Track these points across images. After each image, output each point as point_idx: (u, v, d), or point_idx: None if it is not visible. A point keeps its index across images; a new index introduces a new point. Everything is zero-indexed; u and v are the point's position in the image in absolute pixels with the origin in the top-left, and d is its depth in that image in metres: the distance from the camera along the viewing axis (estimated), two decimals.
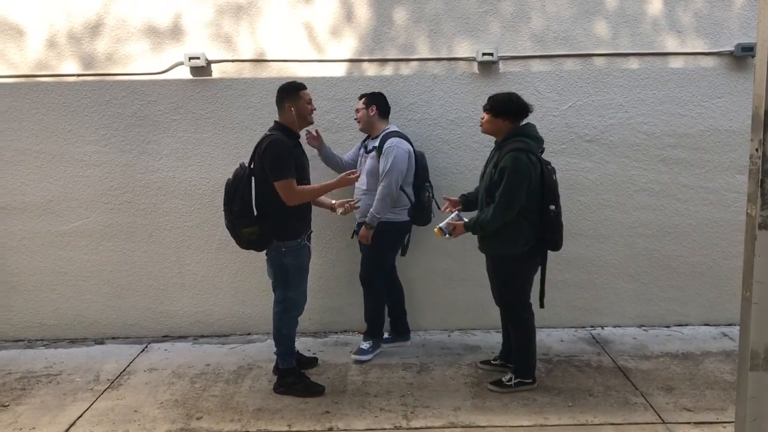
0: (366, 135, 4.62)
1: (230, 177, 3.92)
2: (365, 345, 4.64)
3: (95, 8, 4.74)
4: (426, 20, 4.78)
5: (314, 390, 4.06)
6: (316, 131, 4.56)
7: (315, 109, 4.11)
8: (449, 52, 4.81)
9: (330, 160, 4.66)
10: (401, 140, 4.42)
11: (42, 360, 4.73)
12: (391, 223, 4.48)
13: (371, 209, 4.38)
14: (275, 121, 4.03)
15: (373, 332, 4.68)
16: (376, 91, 4.57)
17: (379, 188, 4.36)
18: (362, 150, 4.64)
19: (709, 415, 3.72)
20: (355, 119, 4.56)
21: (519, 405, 3.87)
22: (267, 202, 3.91)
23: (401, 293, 4.84)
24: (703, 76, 4.86)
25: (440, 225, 3.99)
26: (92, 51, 4.79)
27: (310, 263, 4.19)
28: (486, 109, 3.92)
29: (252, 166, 3.93)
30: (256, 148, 3.93)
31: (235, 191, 3.85)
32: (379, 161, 4.39)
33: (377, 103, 4.48)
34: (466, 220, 3.97)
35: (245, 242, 3.95)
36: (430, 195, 4.60)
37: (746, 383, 2.79)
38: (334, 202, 4.25)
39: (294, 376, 4.12)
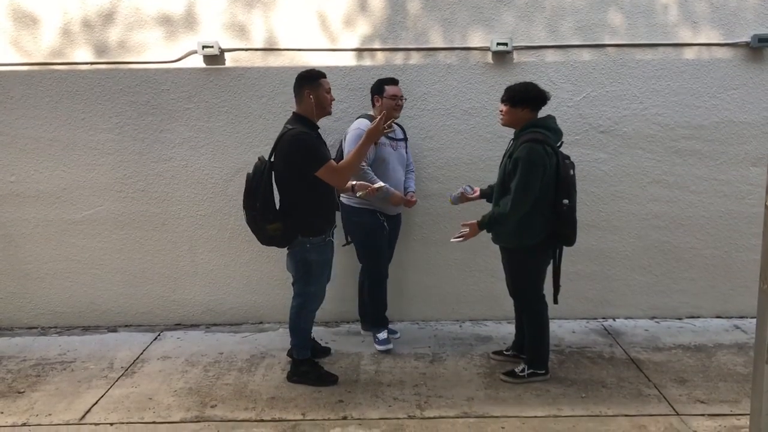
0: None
1: (249, 172, 3.85)
2: (384, 334, 4.66)
3: None
4: (439, 9, 4.75)
5: (328, 380, 4.07)
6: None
7: (334, 99, 4.02)
8: (463, 41, 4.78)
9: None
10: None
11: (56, 347, 4.76)
12: None
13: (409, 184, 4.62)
14: (294, 113, 3.93)
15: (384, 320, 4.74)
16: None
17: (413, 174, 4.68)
18: (384, 138, 4.40)
19: (723, 407, 3.72)
20: (397, 106, 4.42)
21: (532, 396, 3.88)
22: (291, 198, 3.81)
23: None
24: (718, 67, 4.82)
25: (454, 195, 4.20)
26: (106, 39, 4.79)
27: None
28: (504, 100, 3.89)
29: (272, 161, 3.84)
30: (276, 142, 3.82)
31: (256, 187, 3.77)
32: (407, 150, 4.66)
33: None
34: (476, 191, 4.17)
35: (268, 239, 3.89)
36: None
37: (762, 376, 2.79)
38: (354, 183, 4.13)
39: (308, 366, 4.13)
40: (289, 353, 4.31)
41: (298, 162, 3.71)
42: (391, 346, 4.58)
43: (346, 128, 4.78)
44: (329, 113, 3.99)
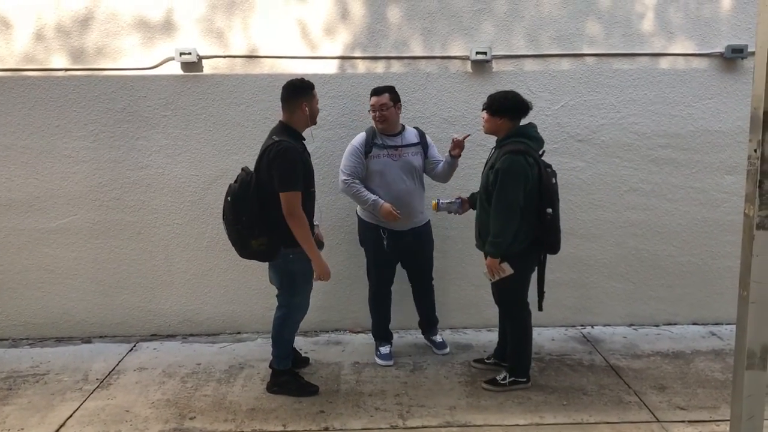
0: (372, 133, 4.36)
1: (234, 183, 3.76)
2: (439, 337, 4.76)
3: (84, 1, 4.66)
4: (420, 18, 4.76)
5: (308, 390, 4.03)
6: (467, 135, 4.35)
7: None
8: (443, 50, 4.80)
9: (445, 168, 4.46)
10: None
11: (28, 359, 4.64)
12: (429, 221, 4.62)
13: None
14: (281, 122, 3.87)
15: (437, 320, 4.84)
16: (388, 85, 4.37)
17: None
18: (377, 150, 4.31)
19: (703, 413, 3.75)
20: (377, 117, 4.28)
21: (514, 404, 3.87)
22: (275, 211, 3.70)
23: None
24: (694, 77, 4.90)
25: (443, 202, 4.17)
26: (81, 45, 4.71)
27: None
28: (484, 108, 3.91)
29: (257, 173, 3.75)
30: (262, 154, 3.74)
31: (243, 201, 3.69)
32: (427, 155, 4.45)
33: (399, 99, 4.35)
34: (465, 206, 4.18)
35: (251, 254, 3.80)
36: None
37: (742, 382, 2.81)
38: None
39: (288, 375, 4.08)
40: (271, 364, 4.27)
41: (276, 173, 3.64)
42: (390, 363, 4.50)
43: (326, 135, 4.78)
44: (315, 124, 3.99)
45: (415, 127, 4.51)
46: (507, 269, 3.83)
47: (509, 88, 4.73)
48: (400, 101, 4.36)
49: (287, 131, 3.81)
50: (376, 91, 4.31)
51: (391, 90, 4.32)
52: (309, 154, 3.91)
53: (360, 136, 4.37)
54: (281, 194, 3.66)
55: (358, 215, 4.57)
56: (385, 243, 4.40)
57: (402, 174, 4.33)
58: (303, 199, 3.74)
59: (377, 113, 4.28)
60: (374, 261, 4.54)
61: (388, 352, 4.57)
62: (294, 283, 3.94)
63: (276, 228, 3.74)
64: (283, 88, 3.86)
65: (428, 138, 4.52)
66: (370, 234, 4.46)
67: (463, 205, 4.26)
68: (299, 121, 3.83)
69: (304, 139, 3.90)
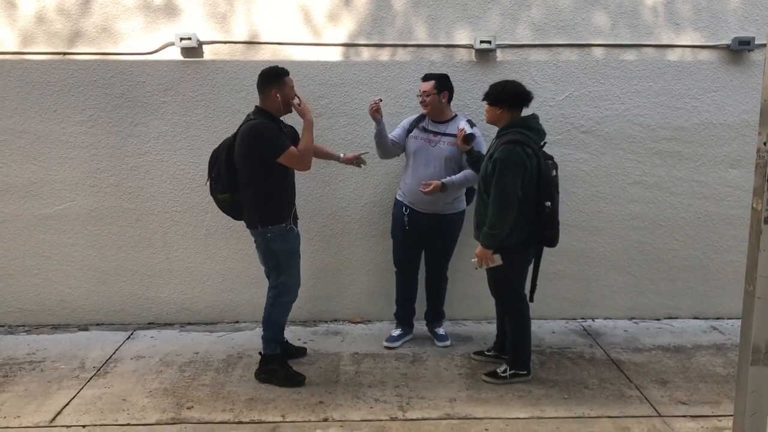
0: (424, 115, 4.42)
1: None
2: (442, 330, 4.75)
3: None
4: (425, 6, 4.69)
5: (295, 380, 3.99)
6: (379, 99, 4.29)
7: (296, 96, 3.97)
8: (447, 38, 4.73)
9: (383, 138, 4.38)
10: (478, 128, 4.42)
11: (24, 346, 4.60)
12: (463, 211, 4.55)
13: (455, 178, 4.27)
14: (257, 107, 3.92)
15: (443, 316, 4.83)
16: (440, 72, 4.38)
17: (471, 173, 4.28)
18: (418, 132, 4.40)
19: (704, 408, 3.72)
20: (421, 102, 4.33)
21: (515, 397, 3.84)
22: (247, 186, 3.87)
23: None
24: (699, 69, 4.84)
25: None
26: (80, 29, 4.63)
27: (300, 252, 4.10)
28: (485, 98, 3.86)
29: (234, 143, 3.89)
30: (237, 131, 3.89)
31: (216, 157, 3.95)
32: (470, 146, 4.25)
33: (448, 88, 4.33)
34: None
35: (221, 206, 4.03)
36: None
37: (747, 377, 2.79)
38: (341, 155, 4.35)
39: (276, 364, 4.05)
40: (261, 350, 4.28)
41: (260, 152, 3.76)
42: (392, 344, 4.60)
43: (328, 123, 4.73)
44: (291, 111, 3.95)
45: (468, 120, 4.41)
46: (497, 260, 3.80)
47: (513, 78, 4.71)
48: (448, 90, 4.34)
49: (262, 114, 3.88)
50: (424, 77, 4.36)
51: (440, 78, 4.32)
52: (295, 133, 4.02)
53: (413, 116, 4.51)
54: (280, 161, 3.77)
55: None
56: (405, 219, 4.44)
57: (432, 160, 4.33)
58: (281, 178, 3.87)
59: (421, 98, 4.34)
60: (393, 233, 4.61)
61: (395, 335, 4.66)
62: (277, 261, 3.98)
63: (240, 189, 3.91)
64: (258, 75, 3.91)
65: (477, 132, 4.36)
66: (396, 210, 4.56)
67: None
68: (272, 107, 3.87)
69: (281, 122, 3.96)
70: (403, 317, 4.73)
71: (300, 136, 3.94)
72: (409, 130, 4.44)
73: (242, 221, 4.04)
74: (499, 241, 3.75)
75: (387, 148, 4.42)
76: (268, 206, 3.88)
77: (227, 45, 4.70)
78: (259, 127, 3.77)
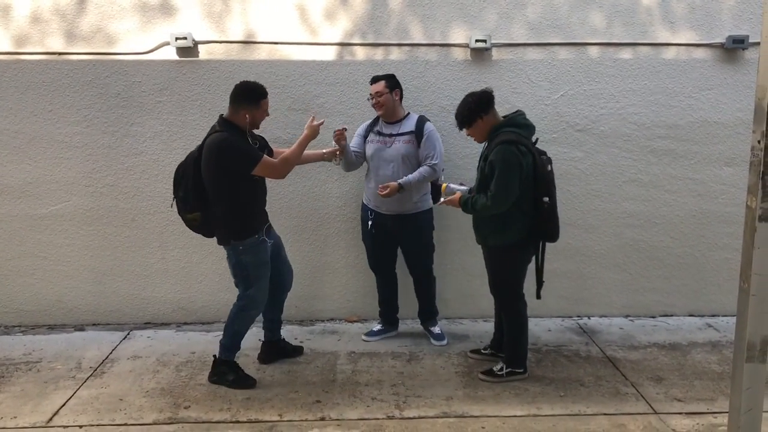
0: (377, 119, 4.44)
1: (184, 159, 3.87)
2: (437, 329, 4.73)
3: None
4: (420, 5, 4.70)
5: (245, 383, 3.96)
6: (344, 128, 4.25)
7: (269, 116, 3.92)
8: (443, 38, 4.74)
9: (350, 156, 4.37)
10: (432, 124, 4.41)
11: (20, 347, 4.59)
12: (430, 209, 4.52)
13: (410, 177, 4.25)
14: (222, 117, 3.80)
15: (436, 313, 4.79)
16: (388, 73, 4.38)
17: (427, 169, 4.28)
18: (373, 136, 4.43)
19: (700, 405, 3.74)
20: (374, 104, 4.31)
21: (511, 395, 3.86)
22: (216, 200, 3.77)
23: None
24: (694, 68, 4.86)
25: (452, 186, 4.03)
26: (75, 28, 4.63)
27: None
28: (461, 127, 3.89)
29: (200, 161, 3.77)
30: (204, 140, 3.77)
31: (182, 175, 3.81)
32: (420, 145, 4.29)
33: (399, 87, 4.36)
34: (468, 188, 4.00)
35: (191, 226, 3.92)
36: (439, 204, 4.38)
37: (742, 374, 2.80)
38: (324, 151, 4.24)
39: (227, 366, 4.02)
40: (259, 356, 4.31)
41: (230, 165, 3.67)
42: (370, 338, 4.68)
43: (324, 123, 4.72)
44: (258, 128, 3.90)
45: (421, 116, 4.45)
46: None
47: (508, 77, 4.78)
48: (399, 88, 4.36)
49: (228, 126, 3.75)
50: (374, 79, 4.35)
51: (388, 78, 4.33)
52: (266, 144, 3.97)
53: (366, 122, 4.52)
54: (256, 173, 3.71)
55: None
56: (370, 223, 4.47)
57: (389, 161, 4.34)
58: (251, 188, 3.80)
59: (373, 100, 4.32)
60: (363, 239, 4.66)
61: (375, 330, 4.74)
62: (247, 274, 3.91)
63: (212, 206, 3.79)
64: (235, 86, 3.79)
65: (427, 129, 4.34)
66: (362, 214, 4.60)
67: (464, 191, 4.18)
68: (239, 122, 3.76)
69: (248, 135, 3.82)
70: (385, 315, 4.77)
71: (270, 146, 3.92)
72: (365, 136, 4.47)
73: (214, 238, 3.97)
74: (470, 213, 3.87)
75: (352, 162, 4.44)
76: (239, 219, 3.81)
77: (223, 44, 4.70)
78: (228, 140, 3.66)
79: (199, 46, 4.69)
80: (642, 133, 4.92)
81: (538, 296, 3.99)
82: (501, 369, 4.04)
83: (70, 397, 3.83)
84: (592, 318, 5.14)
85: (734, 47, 4.78)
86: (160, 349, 4.55)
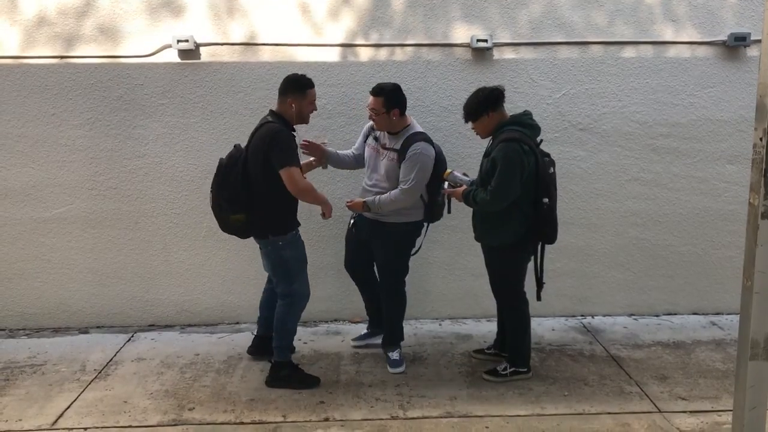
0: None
1: (223, 158, 3.83)
2: (395, 355, 4.27)
3: None
4: (422, 5, 4.70)
5: (309, 382, 3.98)
6: (324, 142, 4.20)
7: (316, 110, 3.95)
8: (444, 37, 4.74)
9: (340, 162, 4.35)
10: (428, 146, 3.98)
11: (25, 350, 4.61)
12: (408, 223, 4.15)
13: (380, 198, 4.00)
14: (271, 111, 3.87)
15: (399, 339, 4.39)
16: (386, 82, 4.05)
17: (397, 193, 3.96)
18: (371, 140, 4.23)
19: (704, 403, 3.74)
20: (370, 117, 4.05)
21: (515, 394, 3.86)
22: (262, 193, 3.77)
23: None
24: (696, 66, 4.86)
25: (456, 174, 3.97)
26: (77, 32, 4.64)
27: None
28: (466, 119, 3.88)
29: (247, 152, 3.81)
30: (253, 134, 3.81)
31: (227, 175, 3.76)
32: (400, 165, 3.97)
33: (399, 104, 3.96)
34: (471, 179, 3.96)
35: (229, 228, 3.88)
36: (444, 194, 4.19)
37: (746, 372, 2.80)
38: (312, 159, 4.24)
39: (289, 369, 4.03)
40: (249, 349, 4.35)
41: (271, 155, 3.68)
42: (357, 343, 4.58)
43: (326, 124, 4.72)
44: (307, 122, 3.95)
45: (415, 134, 4.04)
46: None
47: (510, 77, 4.76)
48: (399, 106, 3.96)
49: (278, 118, 3.82)
50: (374, 91, 3.99)
51: (387, 94, 3.93)
52: (297, 145, 3.92)
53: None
54: (282, 172, 3.68)
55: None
56: (351, 222, 4.39)
57: (377, 170, 4.15)
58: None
59: (369, 112, 4.06)
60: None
61: (361, 334, 4.64)
62: (289, 270, 3.94)
63: (258, 207, 3.78)
64: (283, 78, 3.86)
65: (411, 150, 3.94)
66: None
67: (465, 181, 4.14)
68: (286, 114, 3.82)
69: (294, 129, 3.87)
70: (370, 318, 4.61)
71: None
72: (366, 136, 4.31)
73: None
74: (472, 206, 3.86)
75: (344, 164, 4.39)
76: (283, 214, 3.85)
77: (225, 46, 4.71)
78: (281, 134, 3.70)
79: (201, 48, 4.70)
80: (644, 132, 4.91)
81: (539, 298, 3.99)
82: (505, 369, 4.04)
83: (75, 400, 3.84)
84: (595, 317, 5.14)
85: (736, 45, 4.77)
86: (164, 351, 4.56)
